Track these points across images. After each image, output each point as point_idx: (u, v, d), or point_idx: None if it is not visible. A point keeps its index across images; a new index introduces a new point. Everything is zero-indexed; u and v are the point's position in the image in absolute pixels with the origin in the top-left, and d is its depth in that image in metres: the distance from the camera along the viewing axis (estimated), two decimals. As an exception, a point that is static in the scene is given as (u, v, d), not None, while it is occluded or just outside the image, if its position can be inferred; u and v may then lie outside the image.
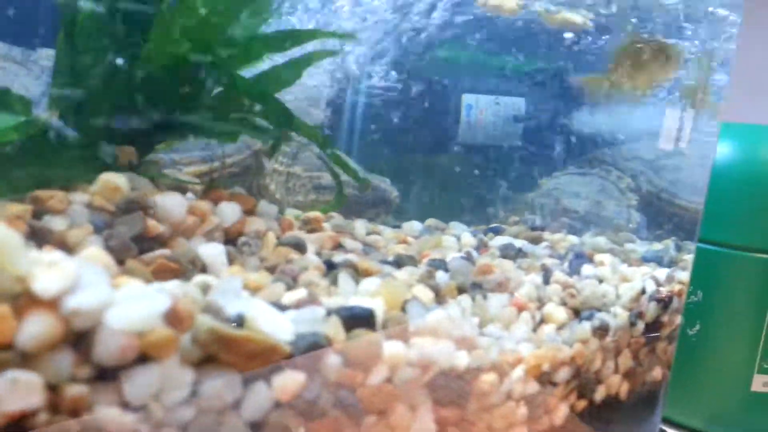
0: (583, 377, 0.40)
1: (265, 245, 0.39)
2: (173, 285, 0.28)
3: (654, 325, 0.46)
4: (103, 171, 0.36)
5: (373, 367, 0.30)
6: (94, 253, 0.27)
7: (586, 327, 0.40)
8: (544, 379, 0.38)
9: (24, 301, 0.21)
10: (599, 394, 0.42)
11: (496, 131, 0.77)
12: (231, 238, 0.39)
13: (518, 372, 0.36)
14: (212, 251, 0.35)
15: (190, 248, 0.36)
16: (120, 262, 0.31)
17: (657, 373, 0.48)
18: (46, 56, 0.63)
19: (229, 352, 0.25)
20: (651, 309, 0.45)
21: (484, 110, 0.78)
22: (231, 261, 0.36)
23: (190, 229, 0.38)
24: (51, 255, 0.23)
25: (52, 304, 0.22)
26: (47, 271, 0.22)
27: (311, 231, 0.44)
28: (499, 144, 0.76)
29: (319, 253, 0.40)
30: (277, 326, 0.28)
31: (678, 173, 0.67)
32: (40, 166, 0.37)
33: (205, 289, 0.29)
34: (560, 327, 0.40)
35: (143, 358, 0.23)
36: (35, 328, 0.21)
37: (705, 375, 0.61)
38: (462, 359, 0.33)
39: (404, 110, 0.70)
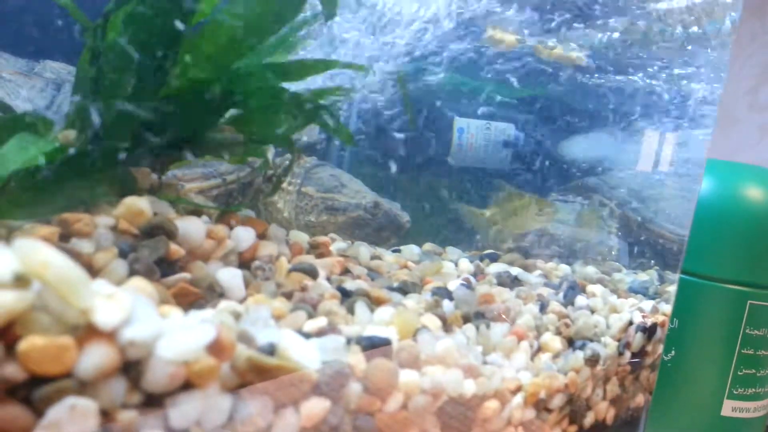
0: (575, 404, 0.43)
1: (278, 270, 0.40)
2: (210, 314, 0.29)
3: (639, 354, 0.49)
4: (126, 194, 0.37)
5: (390, 394, 0.32)
6: (140, 283, 0.28)
7: (579, 356, 0.43)
8: (541, 405, 0.40)
9: (84, 332, 0.23)
10: (588, 419, 0.45)
11: (485, 155, 0.80)
12: (245, 262, 0.41)
13: (518, 399, 0.38)
14: (230, 276, 0.37)
15: (208, 272, 0.37)
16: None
17: (640, 399, 0.51)
18: (50, 68, 0.63)
19: (263, 380, 0.27)
20: (637, 339, 0.48)
21: (474, 134, 0.80)
22: (246, 285, 0.38)
23: (207, 253, 0.39)
24: (107, 287, 0.24)
25: (111, 335, 0.23)
26: (107, 304, 0.23)
27: (320, 255, 0.45)
28: (487, 167, 0.79)
29: (329, 278, 0.42)
30: (305, 355, 0.29)
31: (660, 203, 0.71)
32: (64, 188, 0.37)
33: (236, 316, 0.30)
34: (556, 356, 0.42)
35: (187, 385, 0.25)
36: (94, 358, 0.22)
37: (679, 399, 0.64)
38: (469, 387, 0.35)
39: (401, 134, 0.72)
